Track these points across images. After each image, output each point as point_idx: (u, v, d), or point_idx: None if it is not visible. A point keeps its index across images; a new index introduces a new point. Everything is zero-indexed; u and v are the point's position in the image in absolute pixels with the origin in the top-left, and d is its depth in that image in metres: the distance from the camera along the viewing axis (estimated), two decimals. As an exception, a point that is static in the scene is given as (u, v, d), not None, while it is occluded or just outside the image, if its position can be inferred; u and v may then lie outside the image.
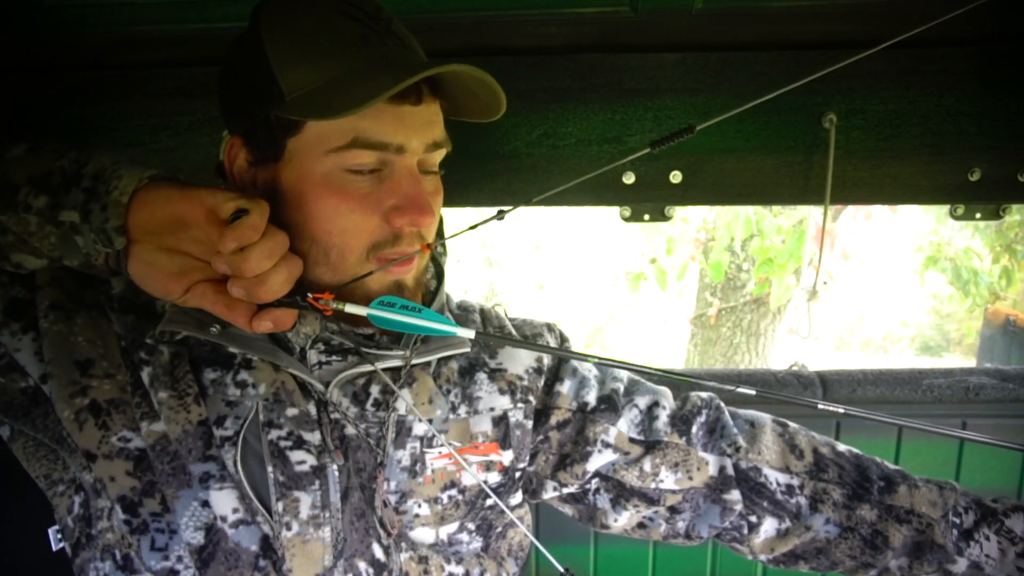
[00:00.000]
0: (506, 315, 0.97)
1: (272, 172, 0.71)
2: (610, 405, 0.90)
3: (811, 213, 3.49)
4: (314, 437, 0.74)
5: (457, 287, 5.49)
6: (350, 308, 0.65)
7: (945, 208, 1.26)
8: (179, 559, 0.71)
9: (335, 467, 0.74)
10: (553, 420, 0.89)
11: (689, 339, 4.34)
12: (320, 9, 0.68)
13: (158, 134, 1.25)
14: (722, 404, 0.95)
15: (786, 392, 1.47)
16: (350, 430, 0.76)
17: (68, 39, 1.15)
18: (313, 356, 0.77)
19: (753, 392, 0.63)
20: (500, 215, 0.75)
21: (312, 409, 0.75)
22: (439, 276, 0.90)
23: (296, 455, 0.73)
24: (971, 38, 1.10)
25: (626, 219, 1.26)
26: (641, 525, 0.92)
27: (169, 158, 1.26)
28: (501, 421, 0.85)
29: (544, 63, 1.16)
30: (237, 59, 0.71)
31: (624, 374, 0.96)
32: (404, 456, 0.79)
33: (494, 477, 0.84)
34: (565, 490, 0.92)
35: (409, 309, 0.65)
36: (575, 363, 0.93)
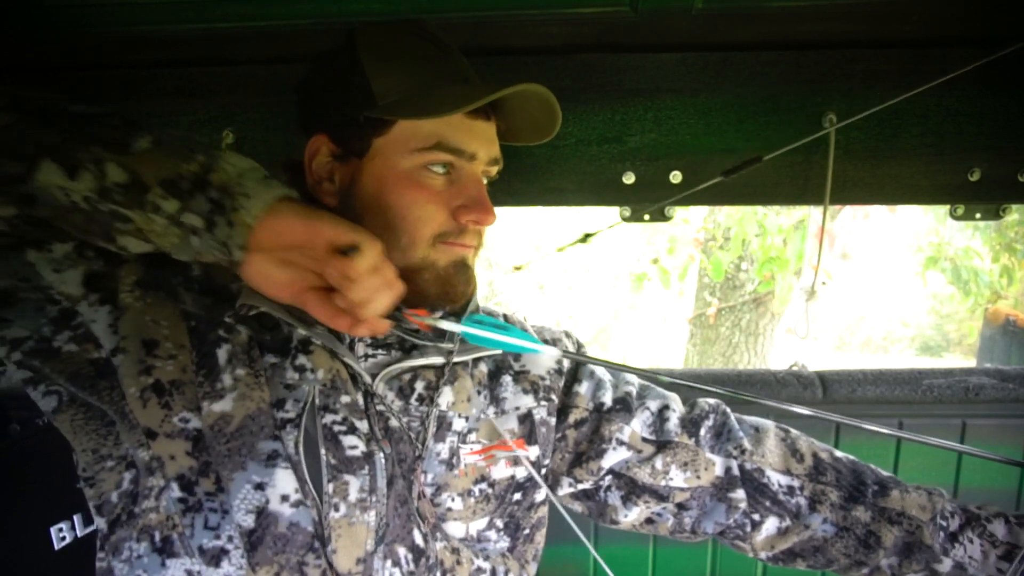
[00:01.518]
0: (526, 321, 1.02)
1: (354, 166, 0.80)
2: (624, 406, 0.95)
3: (811, 212, 3.49)
4: (363, 425, 0.79)
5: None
6: (443, 324, 0.72)
7: (945, 208, 1.26)
8: (229, 539, 0.73)
9: (382, 455, 0.79)
10: (571, 419, 0.94)
11: (688, 339, 4.34)
12: (405, 33, 0.81)
13: (158, 134, 1.25)
14: (728, 409, 1.00)
15: (786, 392, 1.47)
16: (393, 422, 0.81)
17: (68, 39, 1.15)
18: (360, 348, 0.83)
19: (767, 402, 0.63)
20: (586, 238, 0.82)
21: (360, 399, 0.80)
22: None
23: (349, 440, 0.77)
24: (971, 38, 1.10)
25: (626, 219, 1.26)
26: (649, 520, 0.96)
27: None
28: (526, 419, 0.90)
29: (544, 63, 1.16)
30: (331, 69, 0.81)
31: (634, 379, 1.01)
32: (443, 449, 0.83)
33: (521, 472, 0.89)
34: (580, 486, 0.96)
35: (498, 327, 0.71)
36: (592, 366, 0.99)
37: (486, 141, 0.80)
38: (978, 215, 1.23)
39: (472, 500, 0.85)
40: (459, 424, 0.85)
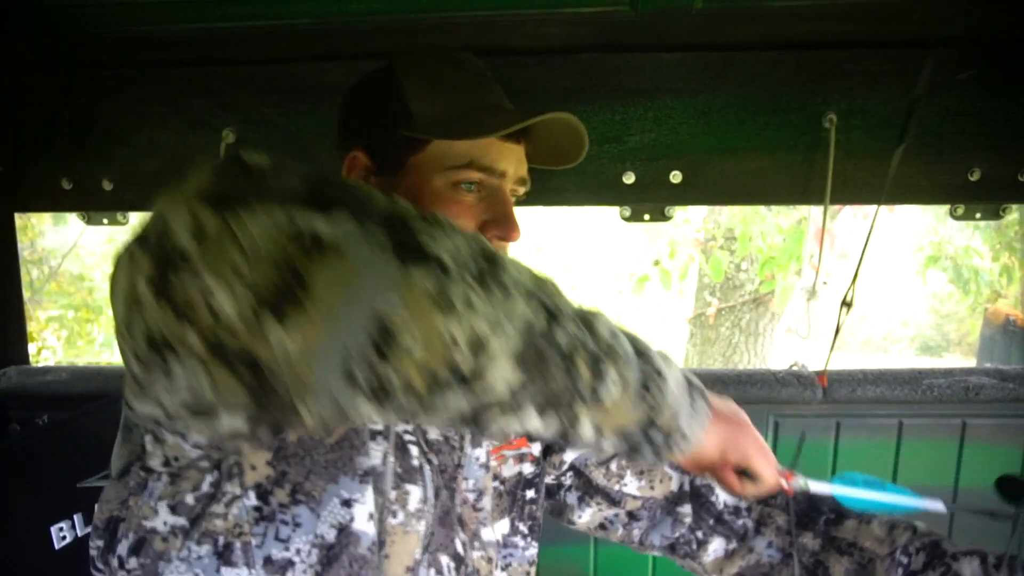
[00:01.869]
0: None
1: (388, 182, 0.83)
2: None
3: (811, 212, 3.49)
4: (414, 436, 0.80)
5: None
6: (814, 487, 0.73)
7: (945, 207, 1.26)
8: (298, 552, 0.72)
9: (428, 467, 0.79)
10: None
11: (688, 339, 4.34)
12: (444, 63, 0.85)
13: (158, 134, 1.25)
14: None
15: (786, 392, 1.47)
16: (432, 435, 0.81)
17: (68, 39, 1.15)
18: None
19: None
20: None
21: None
22: None
23: (413, 450, 0.78)
24: (971, 38, 1.10)
25: (626, 219, 1.26)
26: (602, 526, 1.00)
27: (169, 158, 1.26)
28: None
29: (544, 63, 1.16)
30: (372, 89, 0.86)
31: None
32: (481, 453, 0.85)
33: (528, 468, 0.92)
34: (546, 480, 0.98)
35: (871, 484, 0.71)
36: None
37: (515, 161, 0.84)
38: (978, 215, 1.23)
39: (491, 500, 0.87)
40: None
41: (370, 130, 0.85)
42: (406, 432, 0.78)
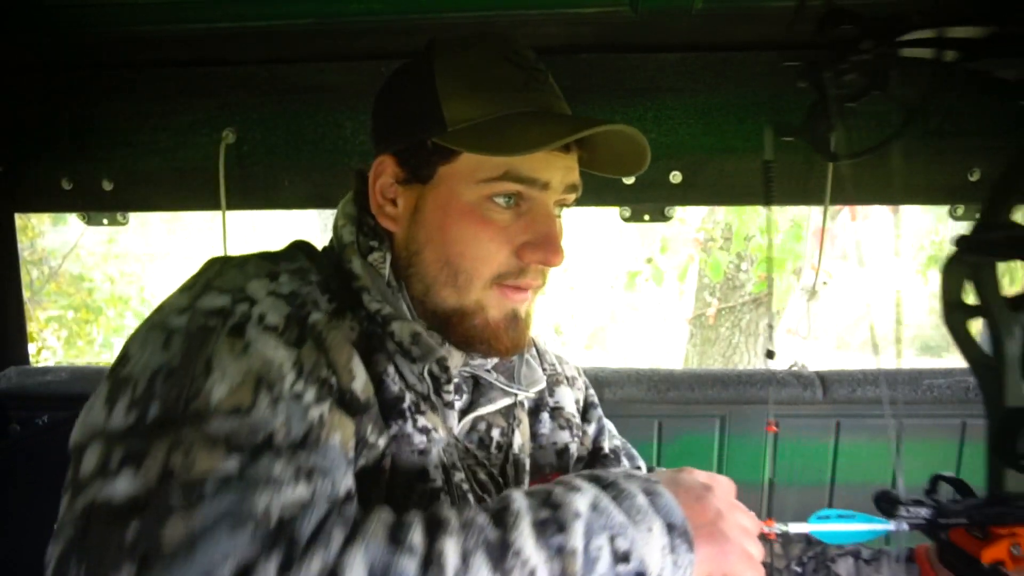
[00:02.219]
0: (546, 347, 1.00)
1: (417, 192, 0.74)
2: (616, 457, 0.96)
3: (810, 212, 3.49)
4: (461, 477, 0.76)
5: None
6: (794, 528, 0.70)
7: (945, 207, 1.26)
8: None
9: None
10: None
11: (688, 339, 4.34)
12: (490, 54, 0.73)
13: (158, 134, 1.25)
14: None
15: (786, 392, 1.47)
16: (482, 475, 0.78)
17: (68, 39, 1.15)
18: (445, 395, 0.76)
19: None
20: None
21: (455, 453, 0.77)
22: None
23: (471, 498, 0.75)
24: (971, 38, 1.10)
25: (626, 219, 1.26)
26: None
27: (169, 158, 1.26)
28: (564, 453, 0.90)
29: (544, 63, 1.16)
30: (404, 85, 0.75)
31: (620, 438, 1.01)
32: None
33: None
34: None
35: (845, 517, 0.71)
36: (599, 411, 0.99)
37: (562, 169, 0.73)
38: (978, 215, 1.23)
39: None
40: (527, 463, 0.84)
41: (399, 134, 0.75)
42: (463, 482, 0.74)
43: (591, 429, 0.97)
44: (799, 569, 0.89)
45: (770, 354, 1.01)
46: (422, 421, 0.72)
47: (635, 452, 1.00)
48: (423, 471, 0.71)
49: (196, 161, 1.24)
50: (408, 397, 0.72)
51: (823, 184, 1.14)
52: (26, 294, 1.92)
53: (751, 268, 3.86)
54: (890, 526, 0.68)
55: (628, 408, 1.37)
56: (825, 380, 1.52)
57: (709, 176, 1.18)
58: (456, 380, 0.77)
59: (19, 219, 1.45)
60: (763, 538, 0.68)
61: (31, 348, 2.62)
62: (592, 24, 1.08)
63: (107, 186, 1.28)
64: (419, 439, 0.71)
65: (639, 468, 0.97)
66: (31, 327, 4.13)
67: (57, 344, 4.77)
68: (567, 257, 0.76)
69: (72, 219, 4.51)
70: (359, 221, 0.78)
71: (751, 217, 3.59)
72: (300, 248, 0.76)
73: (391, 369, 0.72)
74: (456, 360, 0.76)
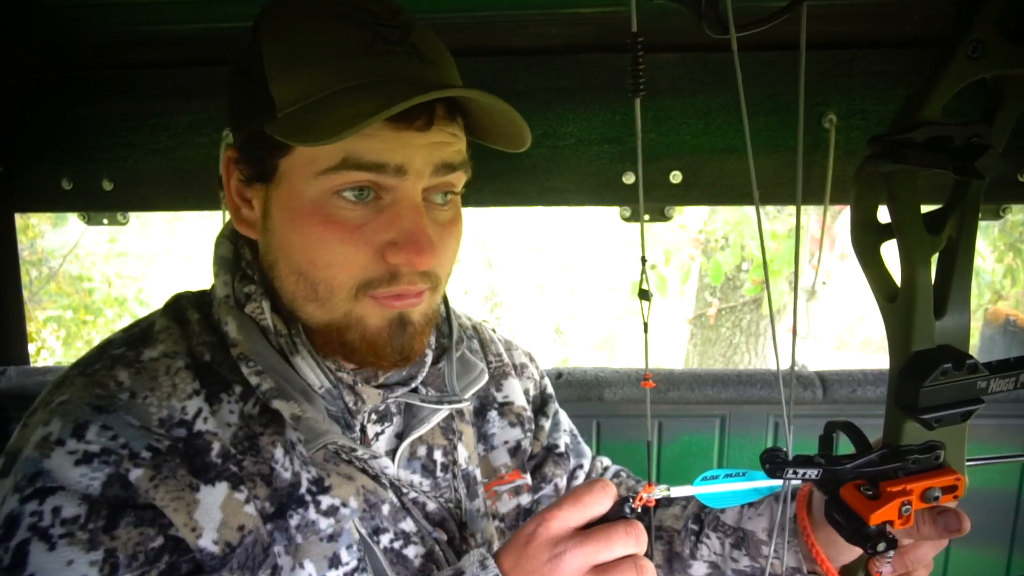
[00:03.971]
0: (495, 333, 0.96)
1: (263, 192, 0.63)
2: (568, 453, 0.93)
3: (809, 214, 3.49)
4: (409, 525, 0.69)
5: (457, 289, 5.48)
6: (676, 492, 0.61)
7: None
8: None
9: (437, 546, 0.70)
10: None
11: (688, 339, 4.34)
12: (326, 12, 0.58)
13: (158, 134, 1.25)
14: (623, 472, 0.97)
15: (786, 392, 1.47)
16: (431, 506, 0.72)
17: (68, 39, 1.15)
18: (370, 430, 0.70)
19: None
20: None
21: (394, 497, 0.69)
22: (444, 300, 0.81)
23: (410, 551, 0.68)
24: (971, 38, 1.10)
25: (626, 219, 1.26)
26: None
27: (169, 158, 1.26)
28: (517, 450, 0.86)
29: (544, 63, 1.16)
30: (237, 65, 0.62)
31: (570, 427, 0.96)
32: (479, 503, 0.77)
33: (525, 499, 0.85)
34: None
35: (733, 476, 0.63)
36: (555, 404, 0.94)
37: (424, 148, 0.59)
38: (978, 215, 1.23)
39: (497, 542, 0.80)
40: (476, 473, 0.79)
41: (235, 124, 0.63)
42: (394, 541, 0.68)
43: (547, 424, 0.91)
44: (696, 527, 0.85)
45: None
46: (326, 501, 0.64)
47: (584, 449, 0.96)
48: (335, 557, 0.63)
49: (196, 161, 1.24)
50: (305, 479, 0.63)
51: (823, 184, 1.14)
52: (25, 294, 1.92)
53: (751, 268, 3.86)
54: (778, 484, 0.62)
55: (628, 408, 1.37)
56: (825, 380, 1.52)
57: (709, 176, 1.18)
58: (381, 409, 0.70)
59: (19, 219, 1.45)
60: (645, 509, 0.62)
61: (31, 348, 2.62)
62: (592, 24, 1.08)
63: (107, 186, 1.28)
64: (325, 523, 0.63)
65: (581, 467, 0.94)
66: (30, 327, 4.13)
67: (56, 344, 4.78)
68: (453, 256, 0.65)
69: (72, 219, 4.51)
70: (235, 259, 0.68)
71: (748, 229, 3.59)
72: (177, 310, 0.68)
73: (279, 453, 0.63)
74: (373, 399, 0.68)
